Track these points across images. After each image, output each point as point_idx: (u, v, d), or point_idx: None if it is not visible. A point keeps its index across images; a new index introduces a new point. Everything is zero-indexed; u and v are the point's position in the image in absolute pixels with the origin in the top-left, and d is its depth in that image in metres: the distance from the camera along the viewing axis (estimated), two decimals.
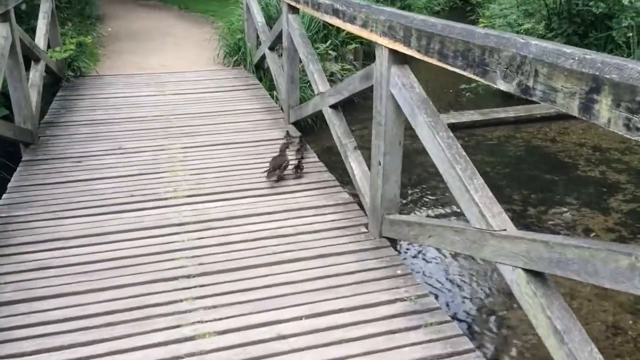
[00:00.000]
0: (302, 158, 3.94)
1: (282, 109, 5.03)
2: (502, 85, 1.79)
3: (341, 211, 3.24)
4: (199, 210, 3.24)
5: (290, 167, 3.74)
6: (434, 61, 2.18)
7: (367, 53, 8.07)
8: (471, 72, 1.94)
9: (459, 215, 4.14)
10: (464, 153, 2.22)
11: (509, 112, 6.16)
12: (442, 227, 2.33)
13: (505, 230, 1.96)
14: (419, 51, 2.29)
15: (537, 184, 4.67)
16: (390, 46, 2.53)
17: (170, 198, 3.38)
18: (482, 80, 1.89)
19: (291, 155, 3.95)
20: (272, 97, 5.53)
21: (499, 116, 6.06)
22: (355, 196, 3.44)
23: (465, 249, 2.15)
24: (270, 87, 5.92)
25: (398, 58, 2.57)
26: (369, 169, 3.20)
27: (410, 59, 2.51)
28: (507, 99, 6.94)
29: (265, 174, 3.64)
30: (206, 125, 4.66)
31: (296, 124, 4.72)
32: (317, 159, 4.04)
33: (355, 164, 3.31)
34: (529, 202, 4.35)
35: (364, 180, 3.20)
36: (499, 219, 1.99)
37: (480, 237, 2.04)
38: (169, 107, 5.14)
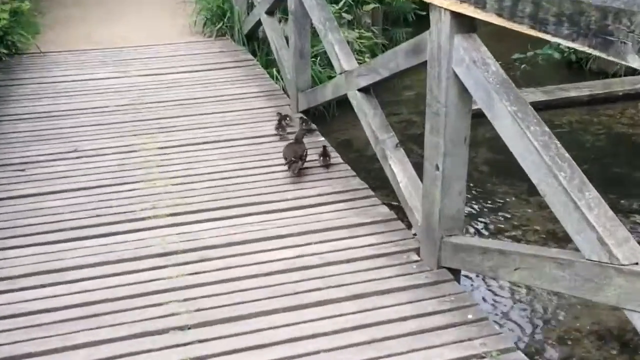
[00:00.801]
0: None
1: (287, 94, 4.93)
2: (635, 62, 1.66)
3: (381, 232, 3.14)
4: (188, 233, 3.15)
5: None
6: (524, 29, 2.08)
7: (388, 15, 7.98)
8: (584, 43, 1.82)
9: (517, 230, 4.03)
10: (568, 155, 2.11)
11: (582, 90, 6.05)
12: (538, 257, 2.22)
13: (637, 264, 1.82)
14: (499, 15, 2.19)
15: (628, 185, 4.56)
16: (454, 8, 2.42)
17: (149, 218, 3.29)
18: (602, 54, 1.76)
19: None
20: (272, 76, 5.44)
21: (568, 95, 5.94)
22: (395, 208, 3.36)
23: (574, 289, 2.04)
24: (268, 64, 5.82)
25: (464, 25, 2.47)
26: (415, 173, 3.15)
27: (480, 25, 2.41)
28: (576, 71, 6.83)
29: (286, 167, 3.70)
30: (189, 117, 4.56)
31: (306, 112, 4.63)
32: (340, 160, 3.95)
33: (398, 167, 3.22)
34: (619, 210, 4.22)
35: (411, 190, 3.10)
36: (627, 247, 1.87)
37: (598, 273, 1.92)
38: (137, 93, 5.04)
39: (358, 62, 3.99)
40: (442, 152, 2.63)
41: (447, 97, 2.56)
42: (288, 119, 4.34)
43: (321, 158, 3.82)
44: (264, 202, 3.43)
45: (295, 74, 4.57)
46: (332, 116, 5.61)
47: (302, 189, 3.57)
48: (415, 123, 5.51)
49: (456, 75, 2.51)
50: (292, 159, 3.67)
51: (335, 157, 3.96)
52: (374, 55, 6.42)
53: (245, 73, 5.50)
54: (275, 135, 4.24)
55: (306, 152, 3.76)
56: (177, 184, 3.63)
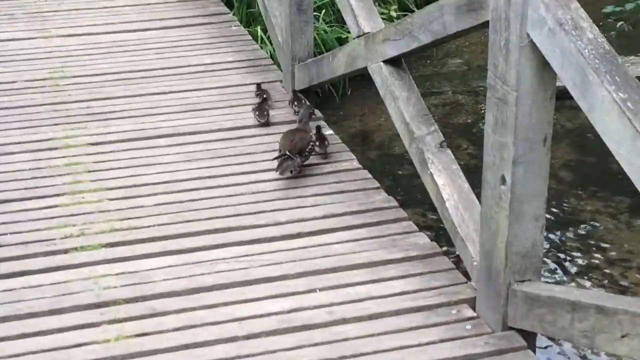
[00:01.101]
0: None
1: (278, 65, 4.97)
2: None
3: (418, 273, 3.14)
4: (133, 274, 3.15)
5: None
6: None
7: None
8: None
9: (614, 268, 4.02)
10: None
11: None
12: None
13: None
14: None
15: None
16: None
17: (75, 250, 3.29)
18: None
19: None
20: (256, 39, 5.48)
21: None
22: (439, 237, 3.37)
23: None
24: (250, 20, 5.85)
25: None
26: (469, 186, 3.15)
27: None
28: None
29: (276, 168, 3.73)
30: (135, 99, 4.60)
31: (307, 91, 4.61)
32: (356, 163, 3.95)
33: (444, 177, 3.22)
34: None
35: (463, 212, 3.10)
36: None
37: None
38: (59, 62, 5.09)
39: (382, 20, 3.96)
40: (512, 158, 2.60)
41: (520, 77, 2.52)
42: (267, 100, 4.37)
43: (319, 145, 3.86)
44: (246, 227, 3.43)
45: (291, 36, 4.56)
46: (342, 96, 5.60)
47: (301, 207, 3.57)
48: (463, 107, 5.50)
49: (533, 44, 2.47)
50: (287, 152, 3.67)
51: (350, 159, 3.97)
52: (402, 6, 6.41)
53: (217, 33, 5.53)
54: (259, 125, 4.25)
55: (312, 144, 3.79)
56: (116, 199, 3.64)
